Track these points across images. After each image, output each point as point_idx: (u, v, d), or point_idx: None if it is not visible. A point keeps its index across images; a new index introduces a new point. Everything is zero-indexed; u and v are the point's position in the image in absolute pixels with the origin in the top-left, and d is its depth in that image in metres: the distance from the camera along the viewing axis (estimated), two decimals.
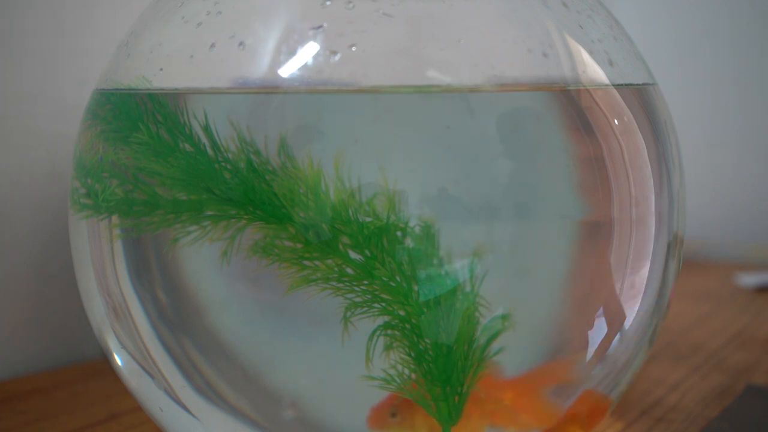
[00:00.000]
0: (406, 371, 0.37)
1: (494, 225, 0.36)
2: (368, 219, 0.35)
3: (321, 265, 0.36)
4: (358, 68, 0.37)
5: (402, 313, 0.36)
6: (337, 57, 0.36)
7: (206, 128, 0.36)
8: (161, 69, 0.39)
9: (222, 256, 0.37)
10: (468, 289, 0.36)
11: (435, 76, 0.37)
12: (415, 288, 0.36)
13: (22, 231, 0.60)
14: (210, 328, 0.39)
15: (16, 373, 0.61)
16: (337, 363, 0.37)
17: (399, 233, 0.36)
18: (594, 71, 0.39)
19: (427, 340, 0.37)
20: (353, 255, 0.36)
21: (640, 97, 0.41)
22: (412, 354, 0.37)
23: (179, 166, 0.37)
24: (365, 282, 0.36)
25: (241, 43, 0.38)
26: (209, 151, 0.36)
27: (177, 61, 0.39)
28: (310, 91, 0.36)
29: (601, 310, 0.39)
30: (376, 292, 0.36)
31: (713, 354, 0.66)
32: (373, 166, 0.35)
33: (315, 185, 0.35)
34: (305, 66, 0.36)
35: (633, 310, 0.40)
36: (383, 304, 0.36)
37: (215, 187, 0.36)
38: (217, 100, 0.38)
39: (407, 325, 0.36)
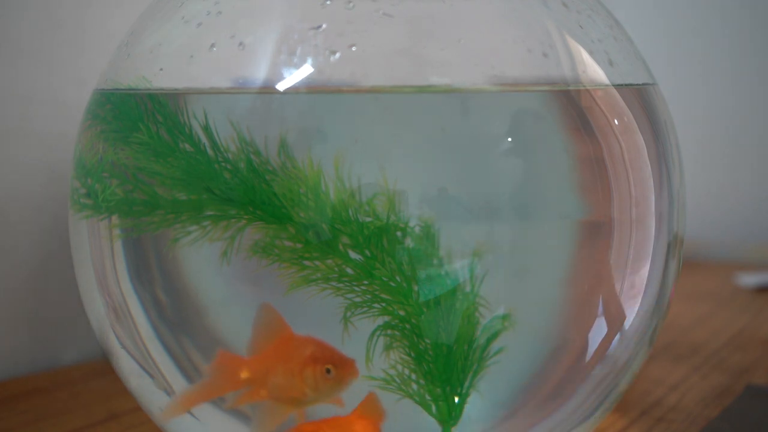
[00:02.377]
0: (406, 371, 0.37)
1: (494, 225, 0.36)
2: (368, 219, 0.35)
3: (321, 265, 0.36)
4: (358, 68, 0.37)
5: (402, 313, 0.36)
6: (337, 57, 0.36)
7: (206, 128, 0.36)
8: (161, 69, 0.39)
9: (222, 256, 0.37)
10: (468, 289, 0.36)
11: (435, 76, 0.37)
12: (415, 288, 0.36)
13: (22, 231, 0.60)
14: (210, 328, 0.39)
15: (16, 373, 0.61)
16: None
17: (399, 233, 0.36)
18: (594, 71, 0.39)
19: (427, 340, 0.37)
20: (353, 255, 0.36)
21: (640, 97, 0.41)
22: (412, 354, 0.37)
23: (179, 166, 0.37)
24: (365, 282, 0.36)
25: (241, 43, 0.38)
26: (209, 151, 0.36)
27: (177, 61, 0.39)
28: (310, 91, 0.36)
29: (601, 310, 0.39)
30: (376, 292, 0.36)
31: (713, 354, 0.66)
32: (373, 166, 0.35)
33: (315, 185, 0.35)
34: (305, 66, 0.36)
35: (633, 310, 0.40)
36: (383, 304, 0.36)
37: (215, 187, 0.36)
38: (217, 100, 0.38)
39: (407, 325, 0.36)
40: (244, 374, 0.37)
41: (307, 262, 0.36)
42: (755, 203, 1.06)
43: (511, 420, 0.39)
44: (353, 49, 0.37)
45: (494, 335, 0.37)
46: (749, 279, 0.89)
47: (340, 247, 0.36)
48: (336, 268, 0.36)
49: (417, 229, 0.35)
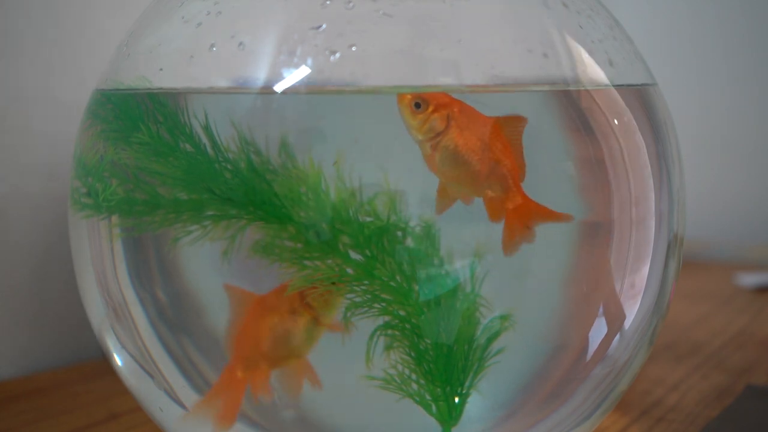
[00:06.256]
0: (406, 371, 0.37)
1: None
2: (368, 219, 0.35)
3: (321, 265, 0.36)
4: (358, 68, 0.37)
5: (402, 313, 0.36)
6: (337, 57, 0.36)
7: (206, 128, 0.36)
8: (161, 69, 0.39)
9: (223, 256, 0.37)
10: (468, 289, 0.36)
11: (435, 76, 0.37)
12: (416, 288, 0.36)
13: (22, 231, 0.60)
14: (210, 328, 0.39)
15: (16, 373, 0.61)
16: (337, 363, 0.37)
17: (399, 233, 0.36)
18: (594, 71, 0.39)
19: (428, 340, 0.37)
20: (353, 255, 0.36)
21: (640, 97, 0.41)
22: (413, 354, 0.37)
23: (180, 166, 0.37)
24: (365, 282, 0.36)
25: (241, 43, 0.38)
26: (210, 150, 0.36)
27: (177, 61, 0.39)
28: (310, 91, 0.36)
29: (601, 310, 0.39)
30: (377, 292, 0.36)
31: (713, 354, 0.66)
32: (373, 166, 0.35)
33: (315, 185, 0.35)
34: (305, 66, 0.36)
35: (633, 310, 0.40)
36: (383, 304, 0.36)
37: (216, 186, 0.36)
38: (217, 100, 0.38)
39: (407, 325, 0.36)
40: None
41: (307, 262, 0.36)
42: (755, 203, 1.06)
43: (511, 420, 0.39)
44: (353, 49, 0.37)
45: (494, 335, 0.37)
46: (749, 279, 0.89)
47: (341, 247, 0.36)
48: (336, 268, 0.36)
49: (417, 229, 0.35)
